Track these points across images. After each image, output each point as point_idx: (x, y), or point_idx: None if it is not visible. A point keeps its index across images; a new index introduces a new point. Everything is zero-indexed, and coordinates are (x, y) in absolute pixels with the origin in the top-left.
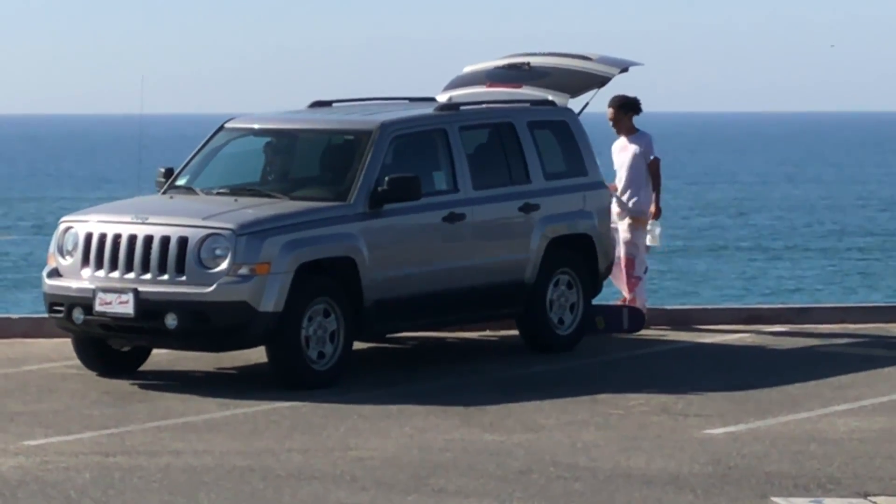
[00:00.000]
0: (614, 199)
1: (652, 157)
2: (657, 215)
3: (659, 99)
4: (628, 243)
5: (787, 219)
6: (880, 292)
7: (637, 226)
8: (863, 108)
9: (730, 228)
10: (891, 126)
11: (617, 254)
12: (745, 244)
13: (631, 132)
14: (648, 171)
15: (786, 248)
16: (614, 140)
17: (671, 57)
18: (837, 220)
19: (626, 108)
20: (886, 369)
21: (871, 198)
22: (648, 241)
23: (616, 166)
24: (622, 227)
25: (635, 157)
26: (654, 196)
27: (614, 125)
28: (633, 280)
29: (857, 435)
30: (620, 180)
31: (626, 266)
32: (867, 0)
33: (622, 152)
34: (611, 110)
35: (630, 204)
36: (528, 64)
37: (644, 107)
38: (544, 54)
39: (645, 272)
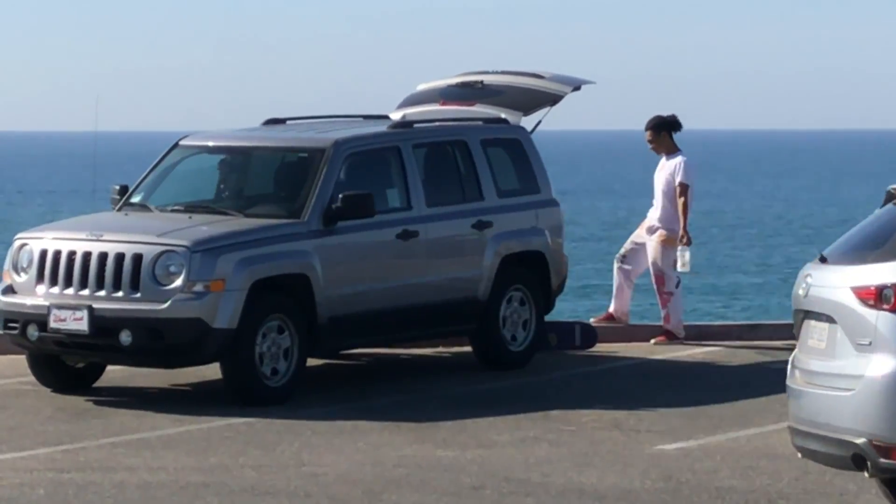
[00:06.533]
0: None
1: (678, 182)
2: (685, 241)
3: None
4: (656, 260)
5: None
6: None
7: (666, 244)
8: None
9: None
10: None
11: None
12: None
13: (671, 151)
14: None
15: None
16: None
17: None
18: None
19: (660, 128)
20: None
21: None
22: (679, 266)
23: (655, 184)
24: (650, 245)
25: (668, 177)
26: (681, 220)
27: (652, 146)
28: (664, 296)
29: None
30: (654, 197)
31: (657, 282)
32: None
33: (660, 171)
34: (648, 133)
35: (657, 221)
36: (482, 82)
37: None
38: (497, 73)
39: (677, 286)
